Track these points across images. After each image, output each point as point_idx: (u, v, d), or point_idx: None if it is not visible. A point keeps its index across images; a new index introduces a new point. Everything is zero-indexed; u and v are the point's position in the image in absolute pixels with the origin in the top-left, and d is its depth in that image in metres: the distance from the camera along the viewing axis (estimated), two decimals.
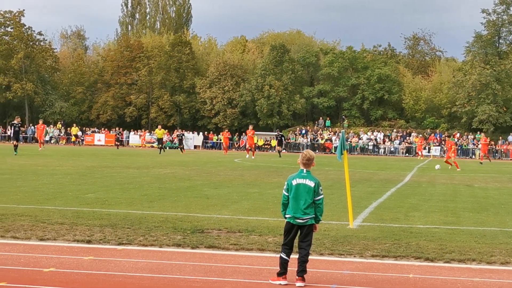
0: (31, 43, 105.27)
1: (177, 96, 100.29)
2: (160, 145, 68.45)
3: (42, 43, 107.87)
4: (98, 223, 15.23)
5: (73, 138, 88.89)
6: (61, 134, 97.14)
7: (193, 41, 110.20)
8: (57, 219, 15.62)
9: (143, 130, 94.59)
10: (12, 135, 51.18)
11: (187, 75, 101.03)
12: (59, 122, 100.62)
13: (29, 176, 27.87)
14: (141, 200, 20.02)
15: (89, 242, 13.18)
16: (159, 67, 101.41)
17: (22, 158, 42.57)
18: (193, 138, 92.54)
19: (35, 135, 77.93)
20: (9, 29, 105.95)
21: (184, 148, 72.40)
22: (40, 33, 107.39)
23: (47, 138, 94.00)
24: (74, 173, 30.56)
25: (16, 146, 49.02)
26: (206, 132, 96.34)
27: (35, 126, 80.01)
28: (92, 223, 15.21)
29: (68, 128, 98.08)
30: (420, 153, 75.85)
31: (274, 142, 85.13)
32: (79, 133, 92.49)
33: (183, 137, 74.54)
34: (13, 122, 51.59)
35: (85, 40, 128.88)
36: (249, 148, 60.89)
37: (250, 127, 63.22)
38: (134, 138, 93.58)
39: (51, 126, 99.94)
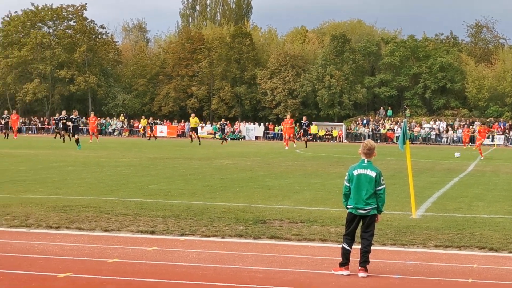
0: (93, 36, 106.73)
1: (238, 87, 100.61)
2: (196, 135, 64.51)
3: (104, 36, 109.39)
4: (161, 214, 15.36)
5: (141, 130, 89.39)
6: (124, 126, 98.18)
7: (253, 32, 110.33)
8: (120, 210, 15.80)
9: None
10: (71, 129, 50.94)
11: (247, 66, 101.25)
12: (121, 114, 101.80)
13: (93, 168, 28.24)
14: (203, 191, 20.13)
15: (152, 233, 13.31)
16: (219, 58, 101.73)
17: (85, 151, 43.05)
18: (254, 129, 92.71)
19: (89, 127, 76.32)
20: (72, 22, 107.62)
21: (226, 139, 71.07)
22: (102, 26, 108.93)
23: (109, 130, 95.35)
24: (137, 165, 30.88)
25: (77, 140, 47.87)
26: (267, 123, 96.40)
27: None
28: (155, 214, 15.35)
29: (131, 120, 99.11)
30: (465, 143, 73.99)
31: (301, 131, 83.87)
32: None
33: (225, 127, 73.83)
34: (71, 116, 51.71)
35: (146, 33, 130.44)
36: (288, 138, 57.59)
37: (288, 116, 61.06)
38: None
39: (114, 118, 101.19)
